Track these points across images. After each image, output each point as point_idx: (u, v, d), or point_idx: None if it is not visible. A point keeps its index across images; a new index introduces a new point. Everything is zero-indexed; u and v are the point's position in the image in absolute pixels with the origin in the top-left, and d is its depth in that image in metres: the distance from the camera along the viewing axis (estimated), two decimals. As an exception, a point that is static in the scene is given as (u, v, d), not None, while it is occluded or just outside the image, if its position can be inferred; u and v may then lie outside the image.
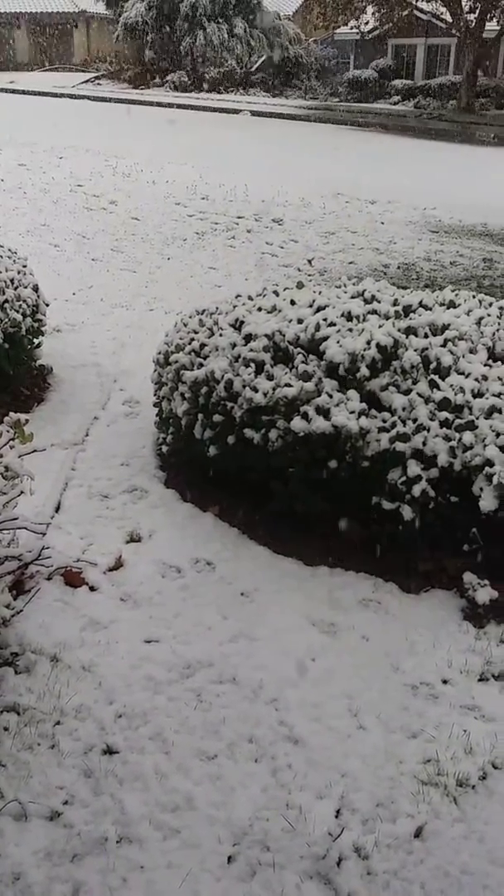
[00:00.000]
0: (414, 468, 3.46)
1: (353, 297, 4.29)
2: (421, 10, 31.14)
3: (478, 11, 27.70)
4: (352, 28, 32.39)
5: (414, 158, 17.45)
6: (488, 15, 27.46)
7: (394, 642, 3.24)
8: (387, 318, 4.03)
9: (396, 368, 3.73)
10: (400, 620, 3.36)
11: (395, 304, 4.19)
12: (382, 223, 11.26)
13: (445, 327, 3.97)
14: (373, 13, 30.80)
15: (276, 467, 3.71)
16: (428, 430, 3.52)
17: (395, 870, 2.34)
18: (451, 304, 4.35)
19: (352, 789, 2.58)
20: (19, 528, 2.84)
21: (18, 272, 5.23)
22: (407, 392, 3.66)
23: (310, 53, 34.15)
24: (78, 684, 2.87)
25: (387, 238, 10.47)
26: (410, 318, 4.02)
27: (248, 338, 4.05)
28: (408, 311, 4.14)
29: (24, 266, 5.44)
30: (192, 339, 4.30)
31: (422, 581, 3.56)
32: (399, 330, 3.87)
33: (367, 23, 31.46)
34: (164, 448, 4.46)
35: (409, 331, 3.89)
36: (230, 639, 3.20)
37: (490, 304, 4.42)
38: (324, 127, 23.34)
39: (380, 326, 3.87)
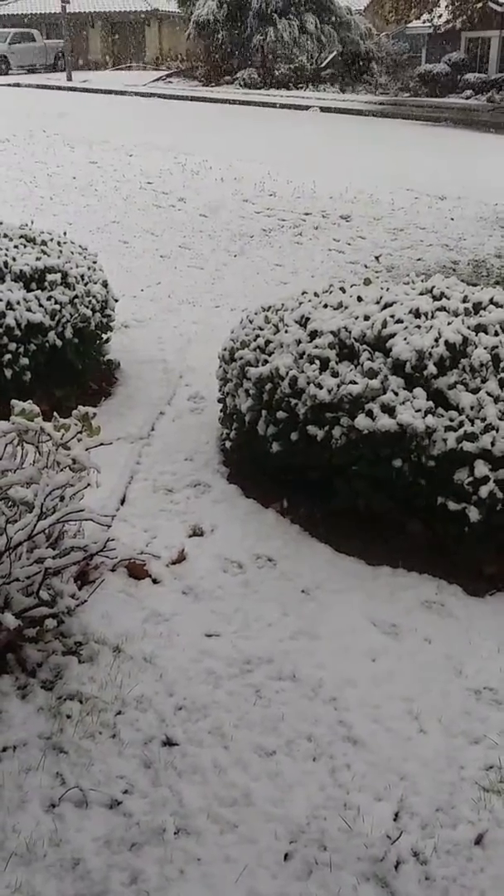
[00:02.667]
0: (482, 469, 3.39)
1: (421, 294, 4.23)
2: (496, 2, 30.46)
3: None
4: (424, 22, 31.87)
5: (486, 153, 17.08)
6: None
7: (457, 645, 3.18)
8: (456, 315, 3.95)
9: (465, 366, 3.66)
10: (463, 623, 3.30)
11: (464, 300, 4.10)
12: (452, 219, 11.07)
13: (517, 325, 3.88)
14: (446, 6, 30.26)
15: (339, 465, 3.69)
16: (497, 430, 3.44)
17: (455, 876, 2.30)
18: (523, 302, 4.24)
19: (411, 793, 2.54)
20: (86, 520, 2.88)
21: (88, 268, 5.31)
22: (476, 391, 3.58)
23: (381, 48, 33.76)
24: (139, 675, 2.91)
25: (456, 234, 10.29)
26: (480, 316, 3.94)
27: (314, 334, 4.03)
28: (478, 308, 4.05)
29: (95, 262, 5.52)
30: (258, 336, 4.30)
31: (487, 584, 3.49)
32: (469, 327, 3.79)
33: (439, 16, 30.91)
34: (228, 444, 4.47)
35: (479, 328, 3.82)
36: (290, 636, 3.20)
37: None
38: (394, 122, 23.05)
39: (449, 323, 3.80)
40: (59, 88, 28.01)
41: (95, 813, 2.41)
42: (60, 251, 5.30)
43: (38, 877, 2.21)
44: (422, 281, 4.50)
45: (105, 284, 5.39)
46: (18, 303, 4.62)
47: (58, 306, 4.82)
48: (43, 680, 2.83)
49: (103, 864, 2.27)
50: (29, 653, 2.88)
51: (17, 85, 28.86)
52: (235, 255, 8.99)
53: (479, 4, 29.74)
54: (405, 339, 3.74)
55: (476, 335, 3.76)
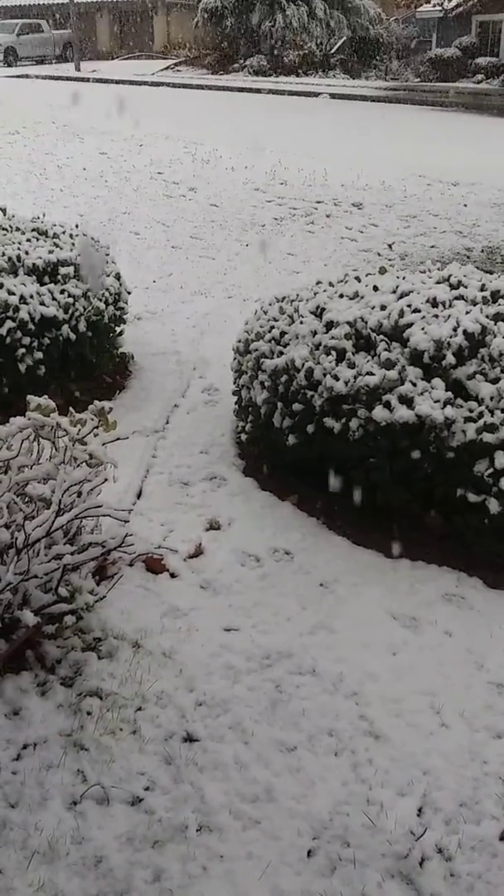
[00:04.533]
0: (502, 460, 3.34)
1: (438, 283, 4.18)
2: (507, -16, 30.08)
3: None
4: (434, 5, 31.57)
5: (498, 138, 16.91)
6: None
7: (478, 639, 3.15)
8: (474, 303, 3.91)
9: (484, 356, 3.61)
10: (484, 616, 3.27)
11: (482, 289, 4.05)
12: (465, 205, 10.96)
13: (535, 313, 3.83)
14: (457, -11, 29.95)
15: (357, 457, 3.65)
16: (516, 421, 3.40)
17: (480, 873, 2.28)
18: (542, 290, 4.18)
19: (434, 788, 2.52)
20: (103, 516, 2.87)
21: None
22: (495, 381, 3.54)
23: (391, 33, 33.44)
24: (159, 671, 2.90)
25: (470, 221, 10.19)
26: (499, 304, 3.89)
27: (330, 325, 3.99)
28: (496, 296, 4.00)
29: (107, 254, 5.49)
30: (273, 327, 4.26)
31: (508, 576, 3.45)
32: (487, 316, 3.75)
33: (450, -1, 30.61)
34: (243, 436, 4.45)
35: (498, 317, 3.77)
36: (309, 630, 3.18)
37: None
38: (404, 108, 22.85)
39: (467, 313, 3.75)
40: (68, 79, 27.90)
41: (117, 810, 2.40)
42: (73, 244, 5.27)
43: (61, 875, 2.20)
44: (438, 269, 4.45)
45: (118, 277, 5.37)
46: (32, 297, 4.60)
47: (71, 300, 4.79)
48: (62, 676, 2.82)
49: (126, 862, 2.26)
50: (48, 649, 2.87)
51: (26, 76, 28.76)
52: (247, 245, 8.93)
53: (490, -13, 29.41)
54: (423, 328, 3.69)
55: (495, 324, 3.71)
